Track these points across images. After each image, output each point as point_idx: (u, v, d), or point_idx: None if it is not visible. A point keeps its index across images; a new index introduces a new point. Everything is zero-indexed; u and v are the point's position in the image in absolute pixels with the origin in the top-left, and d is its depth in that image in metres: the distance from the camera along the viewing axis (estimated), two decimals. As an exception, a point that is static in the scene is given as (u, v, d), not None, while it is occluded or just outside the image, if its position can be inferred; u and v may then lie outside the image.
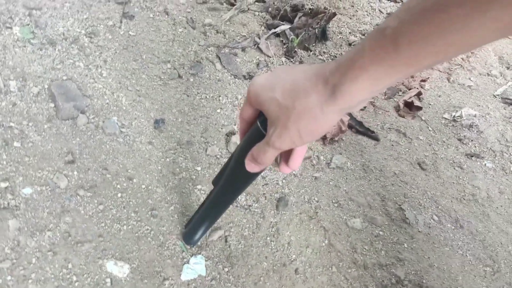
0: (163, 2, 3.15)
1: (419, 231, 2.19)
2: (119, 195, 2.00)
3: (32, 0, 2.60)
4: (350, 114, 2.84)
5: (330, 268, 1.99)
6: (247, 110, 0.77)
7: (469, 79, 3.36)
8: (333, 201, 2.26)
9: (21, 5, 2.65)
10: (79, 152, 2.10)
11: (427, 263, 2.07)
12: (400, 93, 3.18)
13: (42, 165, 1.97)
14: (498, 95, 3.25)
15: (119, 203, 1.97)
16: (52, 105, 2.22)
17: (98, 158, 2.12)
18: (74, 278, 1.67)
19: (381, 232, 2.15)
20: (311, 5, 3.36)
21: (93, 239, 1.81)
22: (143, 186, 2.10)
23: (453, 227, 2.27)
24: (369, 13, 3.59)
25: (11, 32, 2.47)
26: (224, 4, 3.38)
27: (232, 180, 1.08)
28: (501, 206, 2.44)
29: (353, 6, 3.58)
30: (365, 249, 2.07)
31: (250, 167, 0.80)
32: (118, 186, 2.04)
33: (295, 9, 3.29)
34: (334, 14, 3.31)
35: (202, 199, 2.14)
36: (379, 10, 3.58)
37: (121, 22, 2.91)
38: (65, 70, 2.43)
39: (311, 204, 2.22)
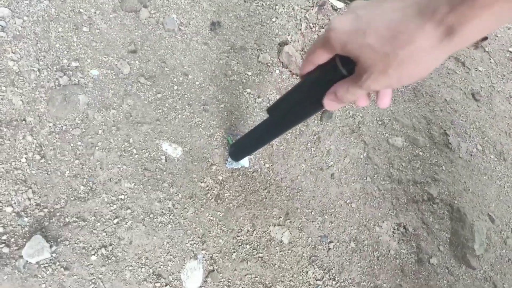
0: None
1: (459, 157, 2.21)
2: (176, 87, 2.14)
3: None
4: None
5: (365, 178, 2.09)
6: (322, 55, 0.71)
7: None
8: (378, 119, 2.30)
9: None
10: (141, 44, 2.21)
11: (462, 186, 2.12)
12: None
13: (107, 51, 2.12)
14: None
15: (175, 94, 2.11)
16: (118, 0, 2.30)
17: (157, 52, 2.23)
18: (134, 151, 1.87)
19: (421, 153, 2.19)
20: None
21: (151, 121, 1.98)
22: (197, 83, 2.22)
23: (496, 159, 2.26)
24: None
25: None
26: None
27: (296, 114, 1.07)
28: (552, 145, 2.38)
29: None
30: (402, 165, 2.14)
31: (331, 105, 0.77)
32: (175, 79, 2.17)
33: None
34: None
35: (250, 102, 2.24)
36: None
37: None
38: (130, -37, 2.47)
39: (355, 119, 2.27)
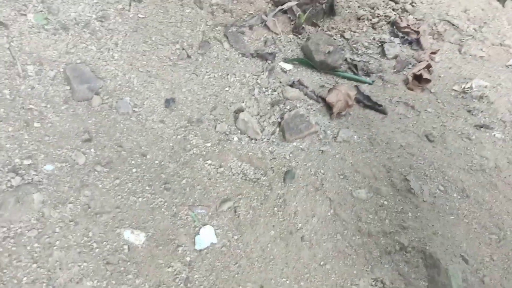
0: (171, -17, 3.19)
1: (424, 201, 2.25)
2: (134, 170, 2.12)
3: (45, -13, 2.68)
4: (357, 88, 2.87)
5: (335, 236, 2.08)
6: None
7: (481, 49, 3.31)
8: (339, 173, 2.33)
9: (35, -8, 2.73)
10: (95, 131, 2.21)
11: (431, 230, 2.13)
12: (410, 66, 3.17)
13: (61, 143, 2.10)
14: (510, 65, 3.20)
15: (134, 178, 2.09)
16: (67, 87, 2.34)
17: (113, 137, 2.23)
18: (95, 245, 1.80)
19: (385, 202, 2.21)
20: (318, -20, 3.34)
21: (111, 210, 1.93)
22: (156, 162, 2.21)
23: (459, 197, 2.31)
24: (378, -14, 3.55)
25: (26, 19, 2.58)
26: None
27: None
28: (509, 175, 2.46)
29: (361, -21, 3.54)
30: (370, 217, 2.14)
31: None
32: (133, 162, 2.16)
33: (301, -17, 3.29)
34: (341, -12, 3.29)
35: (212, 173, 2.24)
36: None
37: (130, 5, 2.98)
38: (79, 54, 2.54)
39: (317, 176, 2.30)
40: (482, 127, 2.71)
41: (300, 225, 2.07)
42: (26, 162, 1.98)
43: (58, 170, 2.00)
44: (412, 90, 2.96)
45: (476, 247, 2.11)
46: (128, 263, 1.78)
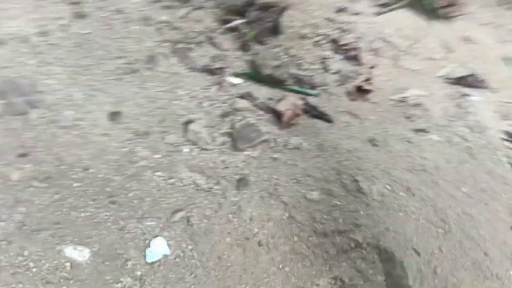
0: (116, 1, 3.16)
1: (373, 199, 2.30)
2: (75, 184, 1.99)
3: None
4: (304, 99, 2.95)
5: (292, 238, 2.05)
6: None
7: (414, 63, 3.57)
8: (292, 178, 2.33)
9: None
10: (32, 146, 2.06)
11: (383, 227, 2.17)
12: (351, 80, 3.33)
13: (-8, 160, 1.92)
14: (441, 76, 3.47)
15: (75, 192, 1.95)
16: (2, 101, 2.18)
17: (51, 151, 2.09)
18: (31, 264, 1.63)
19: (338, 202, 2.24)
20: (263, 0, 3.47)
21: (50, 226, 1.78)
22: (100, 175, 2.09)
23: (405, 195, 2.39)
24: (320, 7, 3.76)
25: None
26: (177, 2, 3.43)
27: None
28: (449, 173, 2.60)
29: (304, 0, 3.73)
30: (324, 218, 2.15)
31: None
32: (74, 176, 2.02)
33: (248, 3, 3.40)
34: (285, 8, 3.44)
35: (162, 185, 2.15)
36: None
37: (70, 24, 2.89)
38: (16, 68, 2.40)
39: (270, 182, 2.29)
40: (420, 131, 2.87)
41: (256, 230, 2.03)
42: (-49, 179, 1.78)
43: (-12, 188, 1.81)
44: (355, 100, 3.10)
45: (426, 240, 2.17)
46: (71, 281, 1.63)
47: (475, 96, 3.23)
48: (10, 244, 1.66)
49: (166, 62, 2.92)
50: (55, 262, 1.65)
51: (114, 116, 2.42)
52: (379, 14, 3.94)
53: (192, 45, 3.17)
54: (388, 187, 2.39)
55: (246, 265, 1.89)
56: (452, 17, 4.02)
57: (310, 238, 2.04)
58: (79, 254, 1.69)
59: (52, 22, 2.78)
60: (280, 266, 1.92)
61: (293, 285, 1.86)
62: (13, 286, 1.54)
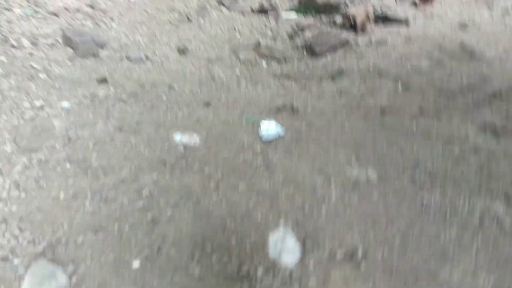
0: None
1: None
2: (164, 97, 1.81)
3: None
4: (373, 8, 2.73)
5: (417, 102, 1.76)
6: None
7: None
8: (388, 60, 2.08)
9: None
10: (110, 75, 1.93)
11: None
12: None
13: (73, 88, 1.79)
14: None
15: (167, 101, 1.77)
16: (70, 49, 2.09)
17: (130, 77, 1.95)
18: (142, 148, 1.42)
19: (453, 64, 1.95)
20: None
21: (151, 123, 1.58)
22: (186, 91, 1.91)
23: None
24: None
25: (13, 13, 2.41)
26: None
27: None
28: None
29: None
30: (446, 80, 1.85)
31: None
32: (160, 92, 1.85)
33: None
34: None
35: (250, 90, 1.94)
36: None
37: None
38: (75, 29, 2.34)
39: (368, 67, 2.04)
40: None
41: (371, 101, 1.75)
42: (37, 103, 1.64)
43: (77, 105, 1.66)
44: (421, 7, 2.88)
45: None
46: (189, 158, 1.39)
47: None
48: (113, 140, 1.45)
49: (216, 11, 2.83)
50: (167, 146, 1.43)
51: (182, 51, 2.28)
52: None
53: (237, -2, 3.08)
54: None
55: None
56: None
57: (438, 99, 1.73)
58: (189, 139, 1.46)
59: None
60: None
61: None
62: (128, 166, 1.32)
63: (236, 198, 1.27)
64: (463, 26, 2.40)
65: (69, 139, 1.46)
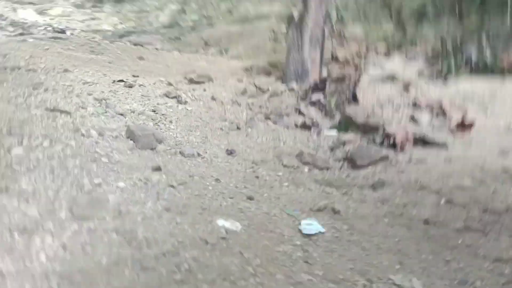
0: (209, 91, 3.60)
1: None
2: (210, 187, 1.92)
3: (100, 94, 2.98)
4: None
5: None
6: None
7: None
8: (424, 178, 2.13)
9: (92, 98, 3.02)
10: (164, 165, 2.10)
11: None
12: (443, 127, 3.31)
13: (130, 172, 1.96)
14: None
15: (212, 190, 1.88)
16: (131, 142, 2.33)
17: (182, 169, 2.11)
18: (186, 227, 1.47)
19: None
20: (337, 74, 3.82)
21: (195, 208, 1.65)
22: (231, 185, 2.02)
23: None
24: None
25: (86, 110, 2.77)
26: (259, 92, 3.83)
27: None
28: None
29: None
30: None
31: None
32: (208, 183, 1.97)
33: (323, 80, 3.75)
34: (359, 79, 3.74)
35: (292, 192, 2.02)
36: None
37: (177, 105, 3.26)
38: (138, 125, 2.63)
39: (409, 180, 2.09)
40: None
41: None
42: (96, 181, 1.80)
43: (131, 186, 1.80)
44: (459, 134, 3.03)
45: None
46: (230, 241, 1.42)
47: None
48: (160, 218, 1.53)
49: (263, 124, 3.09)
50: (210, 228, 1.48)
51: (230, 152, 2.47)
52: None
53: (282, 115, 3.38)
54: None
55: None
56: None
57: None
58: (231, 225, 1.52)
59: (161, 105, 3.14)
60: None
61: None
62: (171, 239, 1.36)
63: (273, 286, 1.24)
64: (503, 152, 2.45)
65: (120, 212, 1.55)
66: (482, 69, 4.36)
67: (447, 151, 2.57)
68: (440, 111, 3.60)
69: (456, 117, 3.21)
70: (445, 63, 4.78)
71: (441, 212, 1.78)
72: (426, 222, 1.69)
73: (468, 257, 1.49)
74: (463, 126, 3.07)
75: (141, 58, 5.04)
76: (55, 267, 1.23)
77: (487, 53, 4.55)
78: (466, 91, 3.90)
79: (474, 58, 4.53)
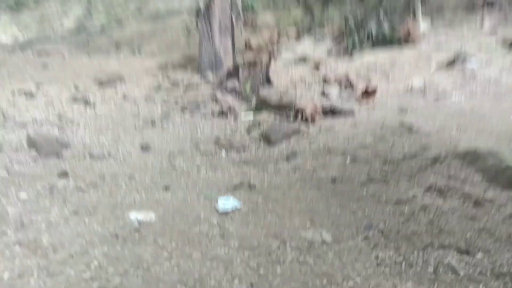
0: (121, 92, 3.48)
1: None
2: (124, 186, 1.87)
3: None
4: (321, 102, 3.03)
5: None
6: None
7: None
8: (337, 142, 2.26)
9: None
10: (72, 170, 2.00)
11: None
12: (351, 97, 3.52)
13: (33, 182, 1.84)
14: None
15: (125, 189, 1.83)
16: (34, 152, 2.19)
17: (91, 171, 2.02)
18: (95, 225, 1.42)
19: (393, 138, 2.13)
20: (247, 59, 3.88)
21: (103, 209, 1.60)
22: (147, 180, 1.98)
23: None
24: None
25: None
26: (174, 86, 3.78)
27: None
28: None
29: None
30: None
31: None
32: (121, 182, 1.91)
33: (236, 67, 3.79)
34: (270, 62, 3.84)
35: (210, 176, 2.03)
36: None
37: (86, 108, 3.11)
38: (40, 133, 2.47)
39: (318, 147, 2.20)
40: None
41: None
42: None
43: (34, 196, 1.69)
44: (364, 101, 3.24)
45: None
46: (143, 231, 1.40)
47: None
48: (67, 222, 1.46)
49: (179, 117, 3.07)
50: (121, 223, 1.44)
51: (145, 148, 2.41)
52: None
53: (199, 106, 3.38)
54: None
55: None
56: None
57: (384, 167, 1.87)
58: (145, 216, 1.49)
59: (69, 106, 2.97)
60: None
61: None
62: (80, 240, 1.31)
63: (189, 265, 1.25)
64: (401, 110, 2.68)
65: (22, 224, 1.45)
66: (382, 41, 4.70)
67: (354, 117, 2.74)
68: (348, 84, 3.83)
69: (361, 87, 3.44)
70: (350, 40, 5.08)
71: (346, 170, 1.90)
72: (334, 180, 1.80)
73: (372, 204, 1.62)
74: (368, 93, 3.29)
75: (45, 67, 4.72)
76: None
77: (386, 27, 4.90)
78: (369, 62, 4.18)
79: (374, 32, 4.86)
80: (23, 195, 1.67)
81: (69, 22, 9.24)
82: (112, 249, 1.29)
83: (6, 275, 1.20)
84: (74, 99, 3.15)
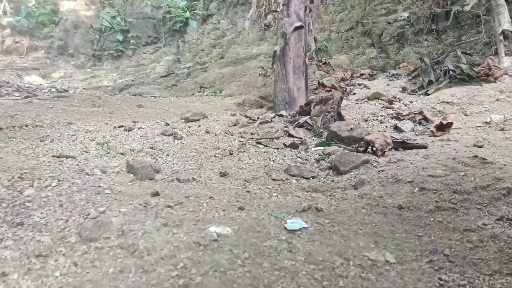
0: (203, 126, 3.85)
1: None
2: (205, 204, 2.11)
3: (102, 139, 3.25)
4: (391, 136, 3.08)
5: (431, 202, 1.89)
6: None
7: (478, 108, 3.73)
8: (407, 172, 2.30)
9: (94, 143, 3.28)
10: (161, 191, 2.29)
11: None
12: (425, 132, 3.50)
13: (130, 199, 2.16)
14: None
15: (206, 206, 2.06)
16: (131, 175, 2.55)
17: (178, 193, 2.30)
18: (181, 235, 1.65)
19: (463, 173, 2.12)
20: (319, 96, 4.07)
21: (190, 221, 1.84)
22: (224, 201, 2.20)
23: None
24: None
25: (90, 154, 3.03)
26: (250, 122, 4.08)
27: None
28: None
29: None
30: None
31: None
32: (202, 201, 2.16)
33: (308, 103, 4.00)
34: (342, 98, 3.99)
35: (281, 200, 2.20)
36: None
37: (174, 140, 3.51)
38: (137, 160, 2.85)
39: (387, 175, 2.26)
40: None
41: (390, 201, 1.93)
42: (100, 209, 2.00)
43: (132, 210, 1.99)
44: (438, 136, 3.21)
45: None
46: (221, 242, 1.60)
47: None
48: (158, 231, 1.71)
49: (254, 148, 3.31)
50: (203, 234, 1.66)
51: (223, 174, 2.66)
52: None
53: (272, 139, 3.61)
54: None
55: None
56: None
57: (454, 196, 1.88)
58: (222, 230, 1.70)
59: (159, 143, 3.38)
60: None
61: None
62: (168, 246, 1.54)
63: (260, 273, 1.40)
64: (476, 144, 2.63)
65: (123, 231, 1.73)
66: (460, 78, 4.60)
67: (426, 150, 2.75)
68: (422, 119, 3.81)
69: (435, 121, 3.41)
70: (425, 77, 5.05)
71: (414, 198, 1.94)
72: (400, 207, 1.85)
73: (439, 231, 1.64)
74: (442, 127, 3.26)
75: (140, 106, 5.39)
76: (68, 280, 1.41)
77: (464, 63, 4.80)
78: (445, 99, 4.13)
79: (451, 69, 4.79)
80: (123, 209, 1.98)
81: (160, 68, 10.34)
82: (195, 254, 1.50)
83: (110, 270, 1.47)
84: (164, 133, 3.58)
